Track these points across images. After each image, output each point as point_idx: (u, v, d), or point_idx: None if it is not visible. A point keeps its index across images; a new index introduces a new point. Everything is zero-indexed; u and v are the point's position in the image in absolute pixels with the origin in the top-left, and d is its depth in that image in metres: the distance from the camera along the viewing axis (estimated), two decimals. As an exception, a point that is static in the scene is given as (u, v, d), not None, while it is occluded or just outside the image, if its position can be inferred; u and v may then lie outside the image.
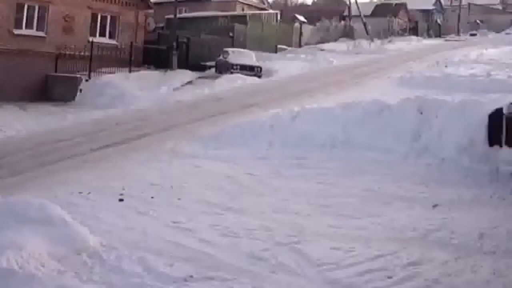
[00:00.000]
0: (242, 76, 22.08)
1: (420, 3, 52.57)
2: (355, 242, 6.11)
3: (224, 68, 23.31)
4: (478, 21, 53.83)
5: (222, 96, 18.23)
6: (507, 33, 45.18)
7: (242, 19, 31.83)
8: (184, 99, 18.15)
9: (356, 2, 42.89)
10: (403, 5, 49.48)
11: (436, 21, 53.25)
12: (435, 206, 7.49)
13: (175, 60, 23.38)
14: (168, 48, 23.63)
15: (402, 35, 43.09)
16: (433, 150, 10.03)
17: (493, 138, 9.40)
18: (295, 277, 5.29)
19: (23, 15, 20.24)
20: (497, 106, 9.65)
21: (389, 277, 5.22)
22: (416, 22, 49.35)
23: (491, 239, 6.13)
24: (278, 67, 24.69)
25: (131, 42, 22.41)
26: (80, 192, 8.20)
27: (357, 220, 7.00)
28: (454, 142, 9.79)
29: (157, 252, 5.74)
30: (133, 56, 22.16)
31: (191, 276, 5.18)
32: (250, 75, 22.59)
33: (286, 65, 25.28)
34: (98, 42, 21.47)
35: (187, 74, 22.91)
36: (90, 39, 21.51)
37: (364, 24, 40.64)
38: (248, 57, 24.51)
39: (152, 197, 8.00)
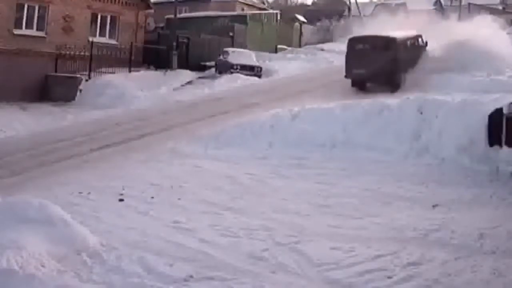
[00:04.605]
0: (242, 76, 22.08)
1: (420, 3, 52.57)
2: (355, 242, 6.11)
3: (224, 68, 23.31)
4: (478, 21, 53.80)
5: (222, 96, 18.23)
6: (508, 33, 44.95)
7: (242, 19, 31.80)
8: (184, 99, 18.15)
9: (356, 2, 42.92)
10: (403, 5, 49.48)
11: (436, 21, 53.19)
12: (435, 206, 7.50)
13: (175, 60, 23.39)
14: (168, 48, 23.64)
15: (402, 35, 42.95)
16: (433, 150, 10.04)
17: (493, 138, 9.40)
18: (295, 277, 5.29)
19: (23, 15, 20.24)
20: (497, 106, 9.65)
21: (389, 277, 5.22)
22: (416, 22, 49.28)
23: (491, 239, 6.13)
24: (278, 67, 24.69)
25: (131, 42, 22.41)
26: (80, 192, 8.21)
27: (357, 220, 7.00)
28: (454, 142, 9.80)
29: (157, 252, 5.74)
30: (133, 56, 22.17)
31: (191, 276, 5.17)
32: (250, 75, 22.60)
33: (286, 65, 25.28)
34: (98, 42, 21.47)
35: (187, 74, 22.92)
36: (90, 39, 21.52)
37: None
38: (248, 57, 24.51)
39: (152, 197, 8.00)
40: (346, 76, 17.72)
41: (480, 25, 19.27)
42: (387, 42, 17.29)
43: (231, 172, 9.53)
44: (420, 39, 18.50)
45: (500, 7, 60.42)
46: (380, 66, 16.46)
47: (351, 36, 19.11)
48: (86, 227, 5.98)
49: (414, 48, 17.97)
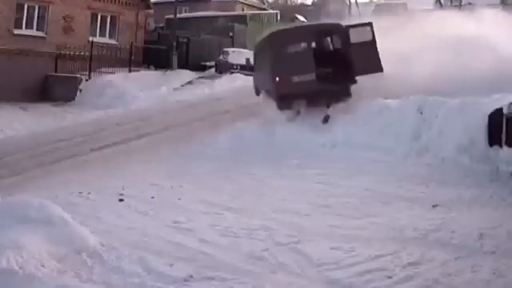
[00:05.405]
0: (242, 76, 22.09)
1: (420, 3, 52.56)
2: (355, 242, 6.10)
3: (224, 68, 23.33)
4: (478, 21, 53.71)
5: (222, 96, 18.23)
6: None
7: (242, 19, 31.82)
8: (184, 99, 18.16)
9: (356, 2, 42.92)
10: (403, 5, 49.46)
11: (436, 21, 53.16)
12: (435, 206, 7.49)
13: (175, 60, 23.40)
14: (168, 48, 23.65)
15: (402, 35, 42.93)
16: (433, 150, 10.02)
17: (493, 138, 9.39)
18: (295, 277, 5.29)
19: (23, 15, 20.28)
20: (497, 106, 9.64)
21: (389, 277, 5.21)
22: (416, 22, 49.21)
23: (491, 239, 6.11)
24: (278, 67, 24.66)
25: (131, 42, 22.42)
26: (80, 192, 8.21)
27: (357, 220, 6.99)
28: (454, 142, 9.78)
29: (157, 252, 5.74)
30: (133, 56, 22.19)
31: (191, 276, 5.17)
32: (250, 75, 22.59)
33: (286, 65, 25.25)
34: (98, 42, 21.49)
35: (187, 74, 22.93)
36: (90, 39, 21.54)
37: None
38: (248, 57, 24.52)
39: (152, 197, 8.00)
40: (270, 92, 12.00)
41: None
42: (344, 30, 11.88)
43: (231, 172, 9.52)
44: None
45: (500, 7, 60.27)
46: (341, 66, 11.47)
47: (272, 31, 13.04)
48: (86, 227, 5.98)
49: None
